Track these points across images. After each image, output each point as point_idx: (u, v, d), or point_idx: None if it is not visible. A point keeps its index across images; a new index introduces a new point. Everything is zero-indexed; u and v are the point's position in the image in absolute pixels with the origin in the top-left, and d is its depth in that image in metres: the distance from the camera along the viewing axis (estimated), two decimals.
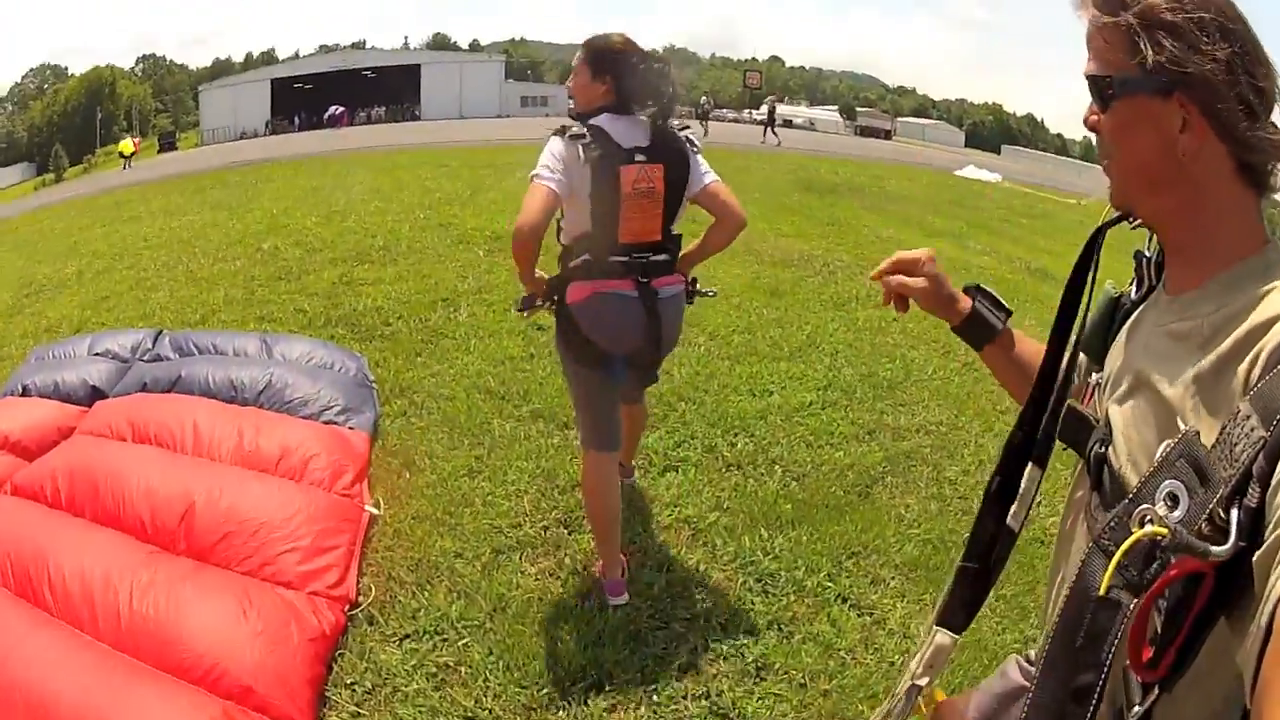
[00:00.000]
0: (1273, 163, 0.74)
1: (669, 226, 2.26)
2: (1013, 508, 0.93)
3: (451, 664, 2.15)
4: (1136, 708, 0.65)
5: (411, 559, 2.56)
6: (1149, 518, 0.62)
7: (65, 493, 2.54)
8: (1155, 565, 0.61)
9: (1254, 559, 0.58)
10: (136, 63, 55.49)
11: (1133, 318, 0.87)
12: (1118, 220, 0.87)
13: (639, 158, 2.15)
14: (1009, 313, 1.09)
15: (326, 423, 3.18)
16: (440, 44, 63.30)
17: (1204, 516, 0.60)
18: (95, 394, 3.36)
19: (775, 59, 74.23)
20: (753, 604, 2.43)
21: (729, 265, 5.89)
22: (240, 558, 2.28)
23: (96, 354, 3.72)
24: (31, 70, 51.31)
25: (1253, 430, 0.60)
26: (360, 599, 2.34)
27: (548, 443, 3.29)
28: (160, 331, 3.92)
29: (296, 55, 52.74)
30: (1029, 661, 1.04)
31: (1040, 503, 2.21)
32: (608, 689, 2.07)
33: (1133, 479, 0.74)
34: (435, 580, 2.47)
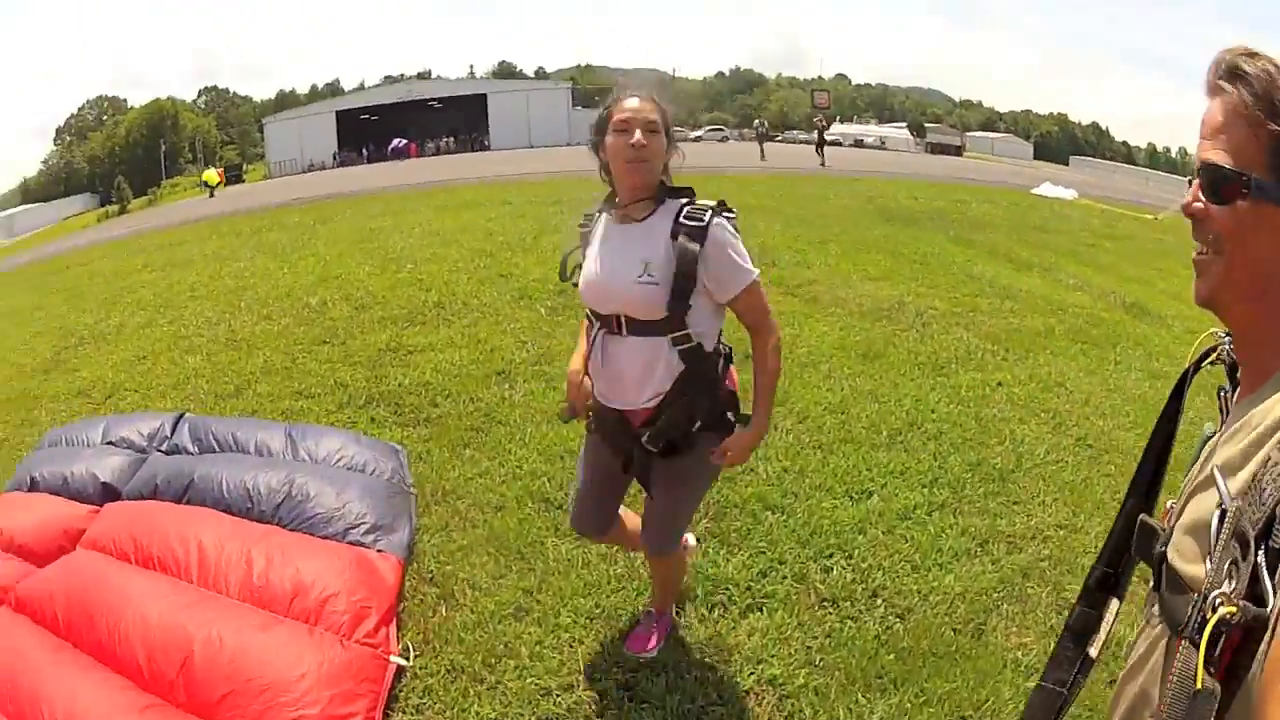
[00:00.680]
0: None
1: None
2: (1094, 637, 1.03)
3: None
4: None
5: None
6: (1219, 601, 0.64)
7: (64, 619, 2.39)
8: (1223, 639, 0.64)
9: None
10: (199, 95, 58.04)
11: (1208, 444, 0.88)
12: (1199, 366, 0.96)
13: None
14: None
15: (352, 543, 2.74)
16: (506, 72, 64.36)
17: (1248, 577, 0.64)
18: (106, 491, 3.10)
19: (841, 76, 73.15)
20: None
21: (814, 323, 5.30)
22: None
23: (110, 442, 3.43)
24: (89, 101, 54.06)
25: None
26: None
27: (610, 571, 2.75)
28: (181, 416, 3.57)
29: (362, 86, 54.39)
30: None
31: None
32: None
33: (1181, 566, 0.78)
34: None
